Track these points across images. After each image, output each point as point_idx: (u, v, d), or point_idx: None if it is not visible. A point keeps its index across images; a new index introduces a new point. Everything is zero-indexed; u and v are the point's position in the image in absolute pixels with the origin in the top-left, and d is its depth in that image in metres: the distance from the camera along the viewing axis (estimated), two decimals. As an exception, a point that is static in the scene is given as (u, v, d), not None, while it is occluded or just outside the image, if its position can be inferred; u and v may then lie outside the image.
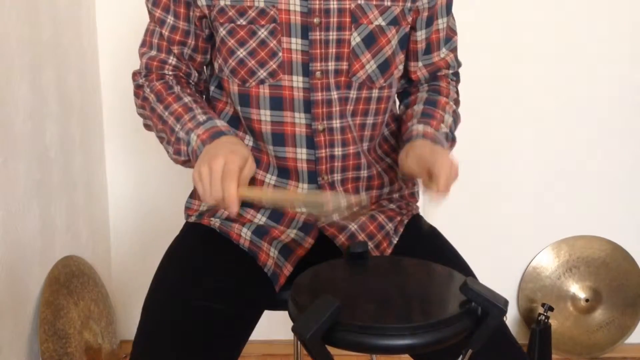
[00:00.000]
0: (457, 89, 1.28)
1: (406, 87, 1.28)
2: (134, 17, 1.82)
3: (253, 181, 1.16)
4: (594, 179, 2.06)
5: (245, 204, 1.15)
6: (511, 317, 2.14)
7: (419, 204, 1.30)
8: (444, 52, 1.22)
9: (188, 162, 1.09)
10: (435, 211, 1.01)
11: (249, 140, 1.17)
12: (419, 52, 1.21)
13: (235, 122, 1.18)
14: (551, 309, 1.91)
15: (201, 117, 1.08)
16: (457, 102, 1.26)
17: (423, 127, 1.13)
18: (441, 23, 1.20)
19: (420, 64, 1.23)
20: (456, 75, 1.28)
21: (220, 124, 1.07)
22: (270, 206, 1.16)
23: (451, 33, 1.23)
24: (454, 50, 1.24)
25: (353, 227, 1.18)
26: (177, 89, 1.14)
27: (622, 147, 2.04)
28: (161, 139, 1.15)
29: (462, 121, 1.26)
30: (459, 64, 1.26)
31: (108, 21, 1.94)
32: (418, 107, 1.20)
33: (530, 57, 1.97)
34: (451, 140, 1.18)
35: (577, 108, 2.01)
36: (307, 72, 1.10)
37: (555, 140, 2.03)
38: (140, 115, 1.20)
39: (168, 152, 1.13)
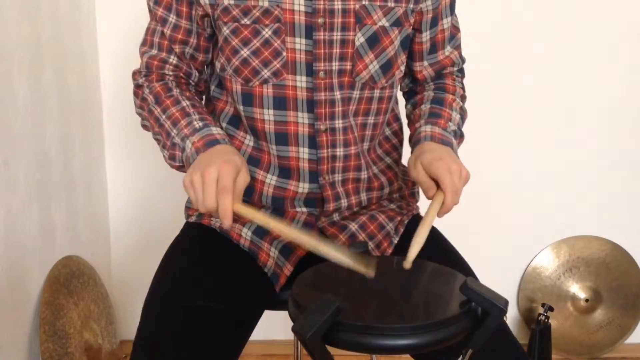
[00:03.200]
0: (462, 84, 1.28)
1: (412, 86, 1.29)
2: (134, 17, 1.82)
3: (253, 181, 1.16)
4: (594, 179, 2.06)
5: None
6: (511, 317, 2.14)
7: (419, 204, 1.30)
8: (448, 50, 1.23)
9: (182, 168, 1.09)
10: (416, 250, 0.96)
11: (249, 139, 1.17)
12: (424, 52, 1.21)
13: (235, 121, 1.18)
14: (551, 309, 1.91)
15: (197, 124, 1.07)
16: (463, 97, 1.26)
17: (431, 128, 1.13)
18: (445, 22, 1.20)
19: (425, 63, 1.23)
20: (461, 71, 1.28)
21: (216, 131, 1.06)
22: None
23: (455, 31, 1.23)
24: (457, 47, 1.25)
25: (354, 227, 1.18)
26: (176, 91, 1.14)
27: (622, 147, 2.04)
28: (158, 141, 1.14)
29: (462, 122, 1.26)
30: (463, 60, 1.27)
31: (108, 21, 1.94)
32: (425, 107, 1.20)
33: (530, 58, 1.97)
34: (459, 136, 1.19)
35: (577, 108, 2.01)
36: (310, 72, 1.10)
37: (555, 140, 2.03)
38: (139, 115, 1.20)
39: (164, 155, 1.13)
